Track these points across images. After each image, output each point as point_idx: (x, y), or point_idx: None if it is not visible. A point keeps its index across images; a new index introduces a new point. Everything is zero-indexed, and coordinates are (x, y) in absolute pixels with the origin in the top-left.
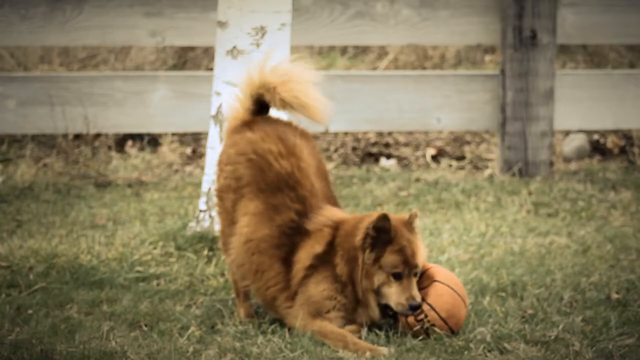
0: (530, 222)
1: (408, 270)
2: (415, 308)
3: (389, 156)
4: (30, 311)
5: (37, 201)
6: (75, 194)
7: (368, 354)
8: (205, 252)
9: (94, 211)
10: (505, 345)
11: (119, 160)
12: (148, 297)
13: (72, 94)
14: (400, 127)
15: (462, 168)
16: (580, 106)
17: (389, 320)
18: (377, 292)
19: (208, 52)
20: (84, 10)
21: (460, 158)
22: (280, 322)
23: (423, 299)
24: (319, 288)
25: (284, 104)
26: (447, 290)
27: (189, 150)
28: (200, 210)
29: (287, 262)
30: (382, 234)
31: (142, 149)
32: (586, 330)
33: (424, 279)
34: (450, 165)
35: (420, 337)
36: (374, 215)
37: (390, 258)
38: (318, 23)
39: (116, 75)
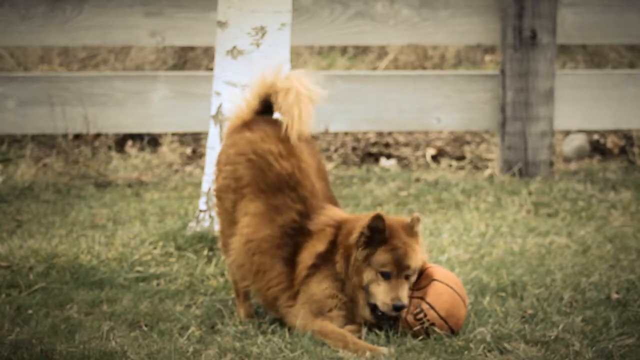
0: (530, 222)
1: (398, 270)
2: (399, 309)
3: (389, 156)
4: (30, 311)
5: (37, 201)
6: (75, 194)
7: (368, 353)
8: (205, 252)
9: (94, 211)
10: (505, 345)
11: (119, 160)
12: (148, 297)
13: (72, 94)
14: (400, 127)
15: (462, 168)
16: (580, 106)
17: (382, 321)
18: (366, 291)
19: (208, 52)
20: (83, 10)
21: (460, 158)
22: (280, 322)
23: (422, 298)
24: (321, 286)
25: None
26: (447, 290)
27: (189, 150)
28: (200, 210)
29: (290, 262)
30: (376, 234)
31: (142, 149)
32: (586, 330)
33: (423, 278)
34: (450, 165)
35: (420, 337)
36: (371, 214)
37: (380, 256)
38: (318, 23)
39: (116, 75)
